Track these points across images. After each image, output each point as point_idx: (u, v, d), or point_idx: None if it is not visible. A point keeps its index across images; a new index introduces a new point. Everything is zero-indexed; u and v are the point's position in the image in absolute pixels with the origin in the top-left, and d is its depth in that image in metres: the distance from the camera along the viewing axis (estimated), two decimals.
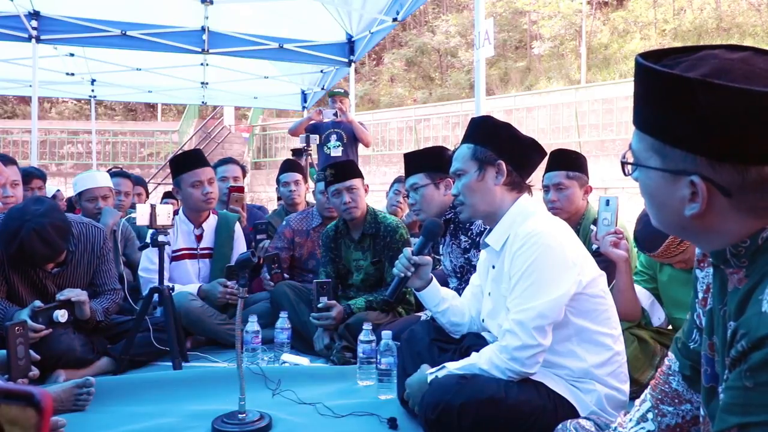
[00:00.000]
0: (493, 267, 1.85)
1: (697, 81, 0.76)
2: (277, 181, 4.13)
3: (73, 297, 2.38)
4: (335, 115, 5.28)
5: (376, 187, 8.95)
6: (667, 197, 0.86)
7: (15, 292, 2.45)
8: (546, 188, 2.64)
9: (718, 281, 0.92)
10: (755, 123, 0.75)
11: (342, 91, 5.65)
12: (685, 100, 0.78)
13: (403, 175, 2.71)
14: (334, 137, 5.45)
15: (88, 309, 2.43)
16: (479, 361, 1.71)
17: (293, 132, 5.66)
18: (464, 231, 2.56)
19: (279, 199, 4.25)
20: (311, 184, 4.34)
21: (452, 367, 1.75)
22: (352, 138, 5.52)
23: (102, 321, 2.55)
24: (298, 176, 4.03)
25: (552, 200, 2.60)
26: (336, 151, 5.43)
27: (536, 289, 1.64)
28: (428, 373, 1.80)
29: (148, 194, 5.05)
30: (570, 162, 2.62)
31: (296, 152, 5.92)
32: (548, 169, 2.64)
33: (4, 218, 2.33)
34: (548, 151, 2.17)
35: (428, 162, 2.55)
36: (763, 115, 0.74)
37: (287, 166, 4.11)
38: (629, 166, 0.91)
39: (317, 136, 5.55)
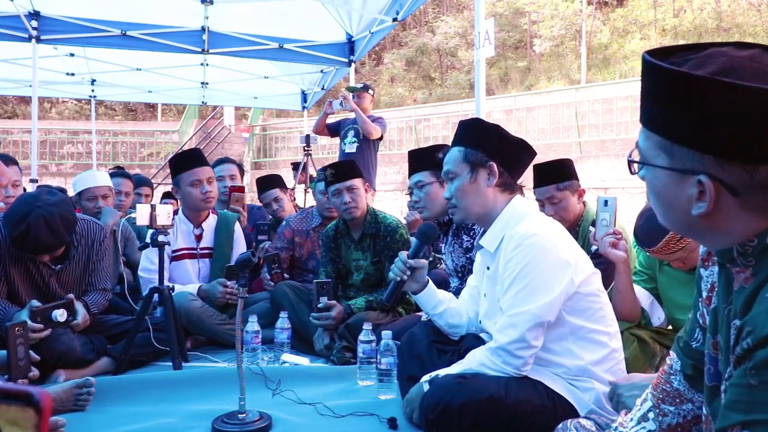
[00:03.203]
0: (488, 268, 1.86)
1: (705, 79, 0.75)
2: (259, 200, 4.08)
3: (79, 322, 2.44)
4: (341, 104, 5.13)
5: (376, 187, 8.92)
6: (674, 196, 0.85)
7: (15, 292, 2.45)
8: (540, 202, 2.59)
9: (723, 280, 0.91)
10: (764, 121, 0.74)
11: (360, 86, 5.31)
12: (693, 98, 0.77)
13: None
14: (351, 133, 5.17)
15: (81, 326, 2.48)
16: (471, 365, 1.72)
17: (315, 130, 5.43)
18: (466, 230, 2.56)
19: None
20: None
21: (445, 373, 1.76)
22: None
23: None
24: (276, 191, 3.95)
25: (549, 215, 2.58)
26: (351, 147, 5.12)
27: (530, 292, 1.64)
28: (423, 381, 1.81)
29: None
30: (556, 174, 2.54)
31: (296, 165, 5.89)
32: (536, 185, 2.56)
33: (14, 202, 2.37)
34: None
35: (434, 160, 2.52)
36: None
37: (261, 185, 4.03)
38: (636, 165, 0.90)
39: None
